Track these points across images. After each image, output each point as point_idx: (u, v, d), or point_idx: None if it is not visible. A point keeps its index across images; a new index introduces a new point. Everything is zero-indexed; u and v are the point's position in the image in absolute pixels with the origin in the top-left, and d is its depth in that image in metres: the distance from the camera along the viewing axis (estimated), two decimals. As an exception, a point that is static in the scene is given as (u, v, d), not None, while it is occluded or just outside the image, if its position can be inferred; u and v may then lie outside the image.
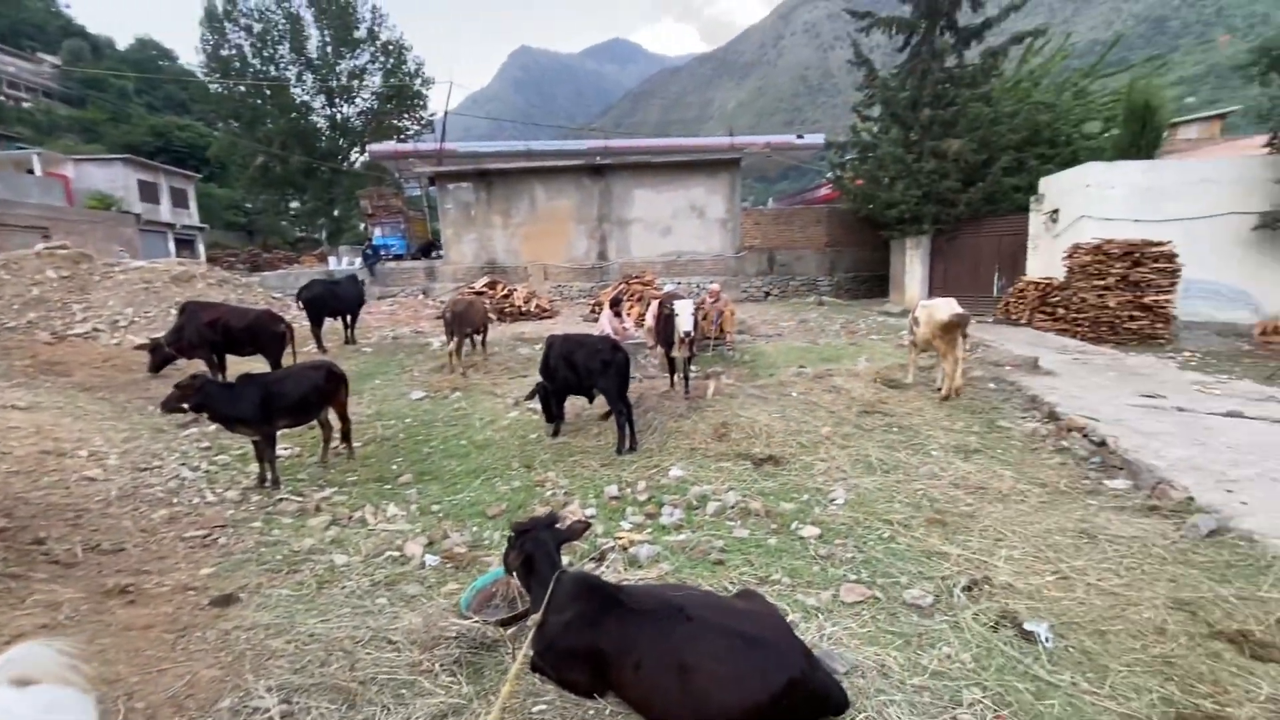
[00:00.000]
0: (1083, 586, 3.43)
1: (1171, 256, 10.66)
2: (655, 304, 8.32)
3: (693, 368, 8.24)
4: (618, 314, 9.11)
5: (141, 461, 5.62)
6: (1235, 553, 3.69)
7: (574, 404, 6.97)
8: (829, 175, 21.64)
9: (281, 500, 5.01)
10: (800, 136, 25.58)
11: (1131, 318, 10.63)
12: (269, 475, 5.27)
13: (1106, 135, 15.49)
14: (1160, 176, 11.95)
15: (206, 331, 8.14)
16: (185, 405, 4.93)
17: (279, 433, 5.47)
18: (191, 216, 34.59)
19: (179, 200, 33.59)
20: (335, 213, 37.10)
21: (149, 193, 31.00)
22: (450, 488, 5.36)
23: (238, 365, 8.07)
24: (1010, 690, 2.68)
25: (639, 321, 10.09)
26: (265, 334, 8.32)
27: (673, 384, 7.94)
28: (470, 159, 22.54)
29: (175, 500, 4.97)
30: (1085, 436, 5.67)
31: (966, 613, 3.21)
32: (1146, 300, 10.59)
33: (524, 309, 15.62)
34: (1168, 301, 10.67)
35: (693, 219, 19.85)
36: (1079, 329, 11.24)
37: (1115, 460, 5.21)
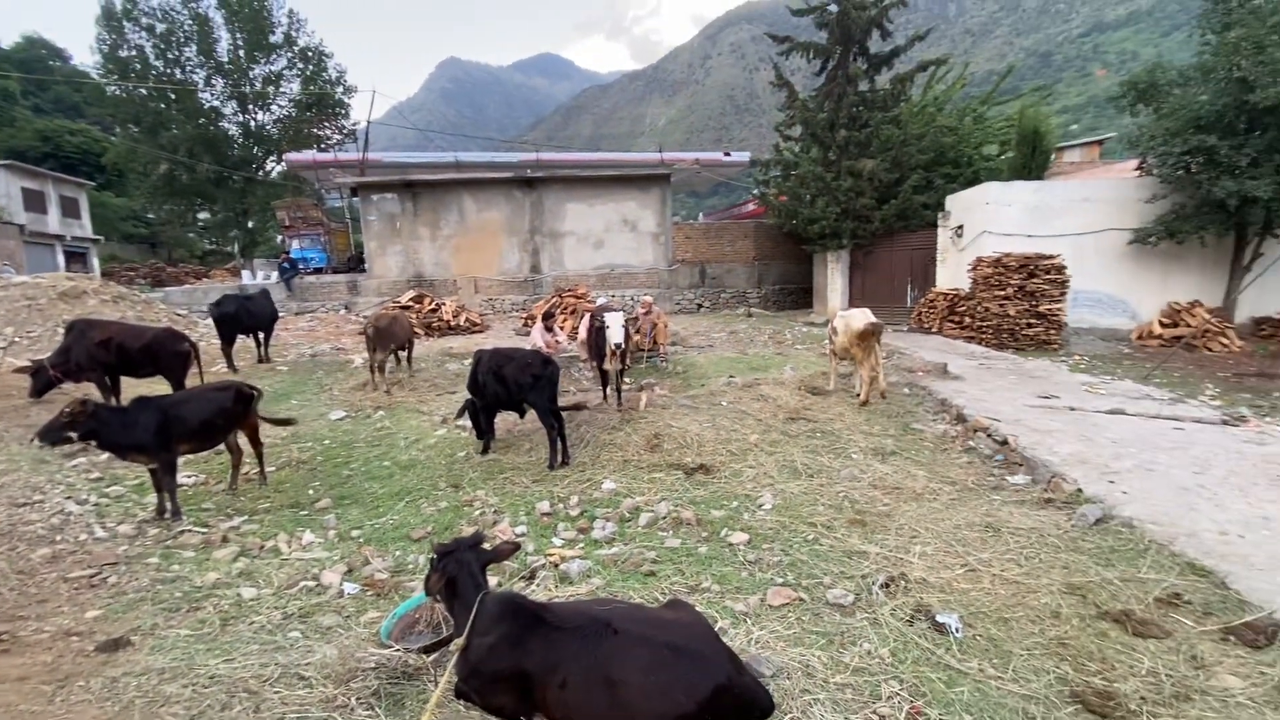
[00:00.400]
0: (988, 577, 3.65)
1: (1061, 268, 11.66)
2: (587, 317, 8.32)
3: (626, 380, 8.27)
4: (550, 328, 9.05)
5: (20, 496, 5.07)
6: (1118, 539, 4.05)
7: (505, 419, 6.85)
8: (755, 192, 22.39)
9: (183, 532, 4.64)
10: (728, 154, 26.30)
11: (1029, 325, 11.52)
12: (169, 506, 4.87)
13: (1003, 157, 16.83)
14: (1048, 195, 13.07)
15: (98, 352, 7.47)
16: (72, 433, 4.50)
17: (180, 459, 5.08)
18: (84, 227, 31.81)
19: (69, 210, 30.85)
20: (249, 224, 34.96)
21: (35, 201, 28.34)
22: (372, 511, 5.13)
23: (138, 387, 7.46)
24: (925, 681, 2.82)
25: (572, 334, 10.06)
26: (166, 354, 7.71)
27: (605, 396, 7.94)
28: (396, 169, 21.86)
29: (59, 537, 4.51)
30: (989, 436, 6.07)
31: (884, 609, 3.35)
32: (1041, 309, 11.52)
33: (453, 323, 15.22)
34: (1059, 310, 11.64)
35: (625, 233, 20.02)
36: (984, 336, 12.07)
37: (1015, 457, 5.60)
